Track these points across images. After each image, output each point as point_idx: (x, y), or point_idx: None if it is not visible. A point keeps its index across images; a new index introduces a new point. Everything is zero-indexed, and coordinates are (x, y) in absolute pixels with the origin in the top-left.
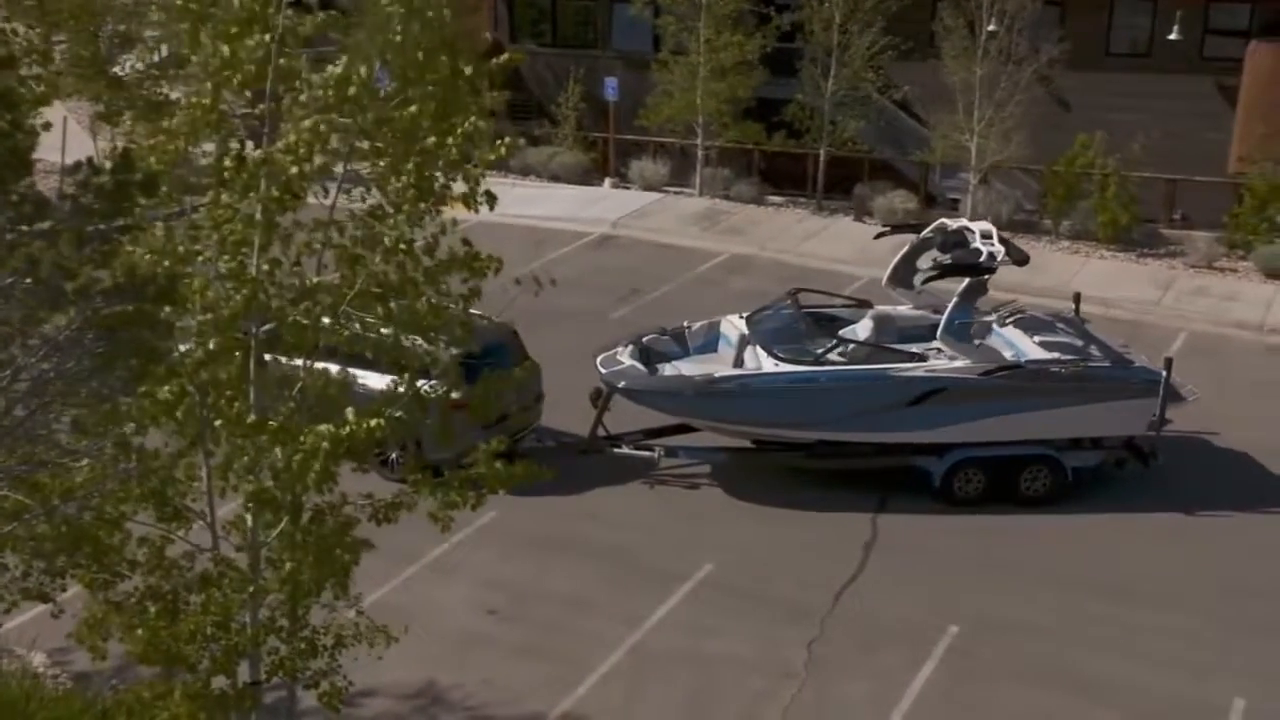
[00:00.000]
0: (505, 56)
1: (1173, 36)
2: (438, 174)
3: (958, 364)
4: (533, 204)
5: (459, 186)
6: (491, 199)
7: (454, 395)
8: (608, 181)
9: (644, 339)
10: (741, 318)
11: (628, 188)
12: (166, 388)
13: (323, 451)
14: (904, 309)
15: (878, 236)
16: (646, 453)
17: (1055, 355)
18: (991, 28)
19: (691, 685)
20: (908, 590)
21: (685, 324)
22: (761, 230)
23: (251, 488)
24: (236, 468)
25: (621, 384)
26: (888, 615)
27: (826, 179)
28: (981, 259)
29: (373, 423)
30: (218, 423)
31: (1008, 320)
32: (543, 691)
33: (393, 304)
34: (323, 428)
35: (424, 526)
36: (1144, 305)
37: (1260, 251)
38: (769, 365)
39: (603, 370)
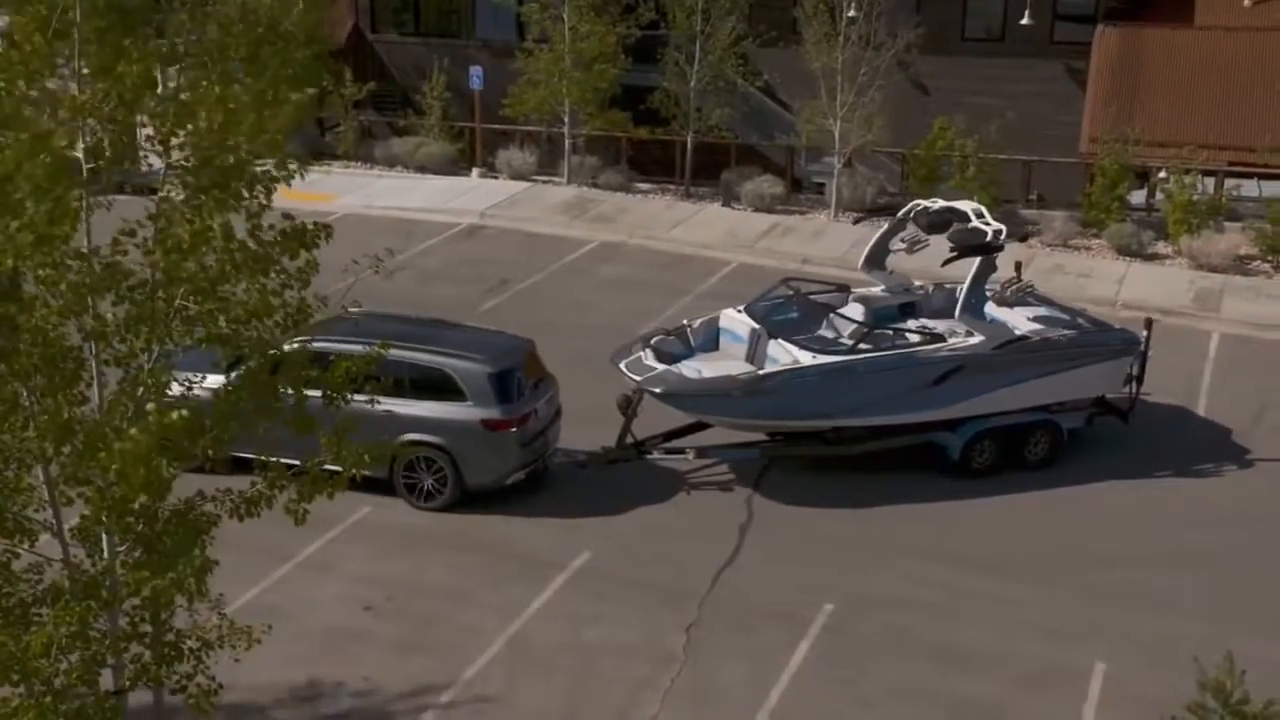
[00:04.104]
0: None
1: (1024, 22)
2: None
3: (972, 341)
4: (399, 195)
5: (263, 166)
6: (302, 166)
7: (495, 416)
8: (475, 171)
9: (653, 340)
10: (740, 311)
11: (495, 177)
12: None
13: (141, 450)
14: (877, 290)
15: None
16: (678, 455)
17: (1051, 325)
18: (851, 13)
19: (571, 674)
20: (783, 571)
21: (686, 322)
22: (630, 217)
23: (90, 494)
24: (70, 475)
25: (660, 389)
26: (764, 596)
27: (693, 165)
28: (988, 238)
29: (175, 415)
30: (33, 432)
31: (1006, 297)
32: (422, 686)
33: (223, 292)
34: (133, 430)
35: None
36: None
37: (1112, 230)
38: (806, 358)
39: (636, 377)
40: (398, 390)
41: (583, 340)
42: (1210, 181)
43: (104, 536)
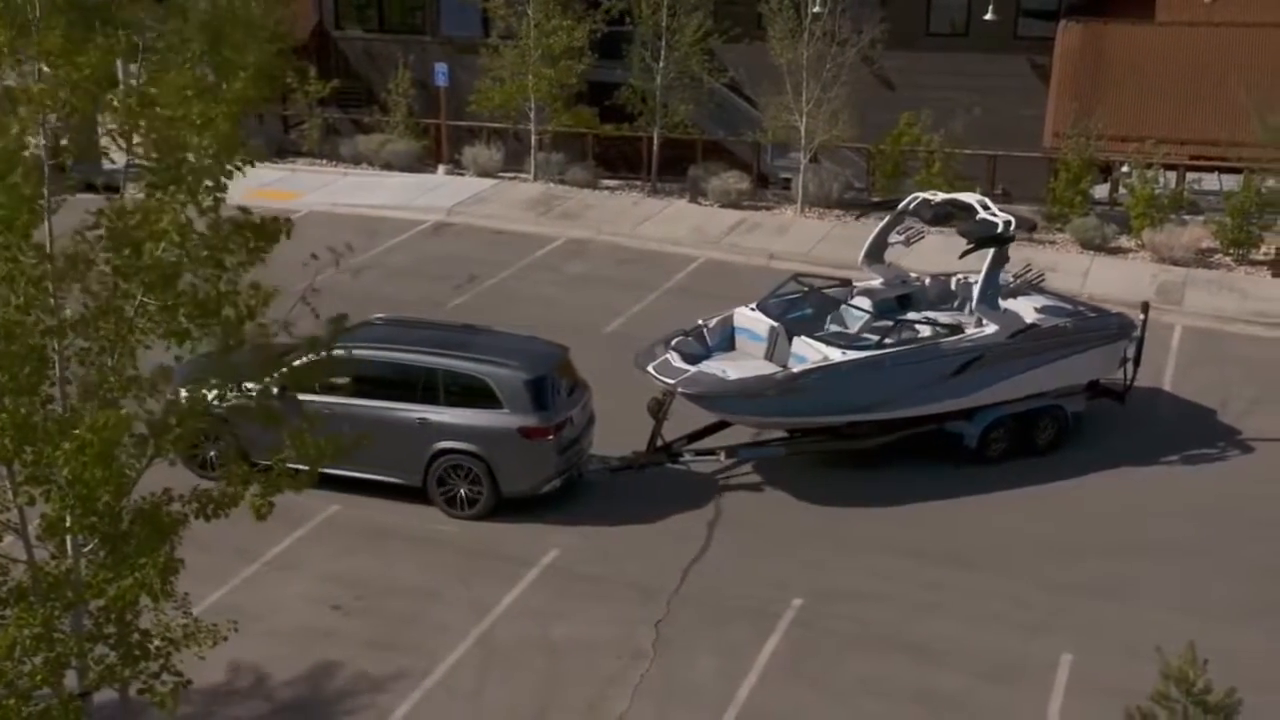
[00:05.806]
0: None
1: (988, 17)
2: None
3: (988, 330)
4: (365, 193)
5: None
6: (250, 159)
7: (532, 423)
8: (441, 168)
9: (673, 342)
10: (754, 310)
11: (462, 174)
12: None
13: (94, 447)
14: (877, 283)
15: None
16: (708, 457)
17: (1055, 313)
18: (816, 9)
19: (541, 671)
20: (752, 566)
21: (701, 322)
22: (597, 214)
23: (52, 493)
24: (30, 475)
25: (695, 390)
26: (733, 591)
27: (660, 161)
28: (999, 230)
29: (120, 413)
30: None
31: (1028, 286)
32: (391, 684)
33: (181, 285)
34: (77, 429)
35: (262, 523)
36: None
37: (1076, 224)
38: (836, 355)
39: (669, 380)
40: (432, 397)
41: (552, 336)
42: (1172, 176)
43: (68, 536)
